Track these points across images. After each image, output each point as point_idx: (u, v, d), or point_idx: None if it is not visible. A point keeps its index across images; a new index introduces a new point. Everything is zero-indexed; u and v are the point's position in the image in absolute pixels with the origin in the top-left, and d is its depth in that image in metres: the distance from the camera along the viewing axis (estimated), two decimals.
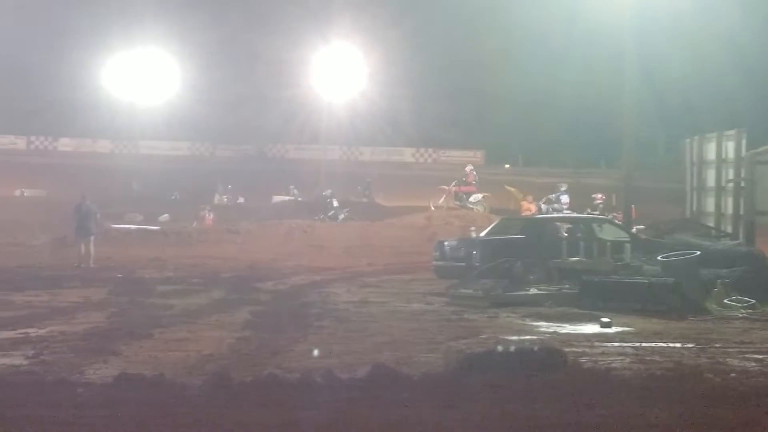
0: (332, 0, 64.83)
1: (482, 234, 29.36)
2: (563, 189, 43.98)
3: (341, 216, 46.73)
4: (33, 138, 79.28)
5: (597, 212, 39.76)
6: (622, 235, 28.34)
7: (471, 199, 46.30)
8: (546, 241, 27.15)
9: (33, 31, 74.50)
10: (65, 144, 79.38)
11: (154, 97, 68.86)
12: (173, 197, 57.78)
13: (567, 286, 24.76)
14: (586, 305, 22.62)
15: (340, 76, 62.03)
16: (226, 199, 58.64)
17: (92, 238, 33.30)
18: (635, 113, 33.92)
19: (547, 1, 55.80)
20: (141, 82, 68.02)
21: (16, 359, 15.67)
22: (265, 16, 70.54)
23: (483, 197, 46.71)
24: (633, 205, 33.63)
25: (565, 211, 42.07)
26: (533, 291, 24.52)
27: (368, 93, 64.10)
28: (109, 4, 73.94)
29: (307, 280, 29.59)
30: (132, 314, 21.17)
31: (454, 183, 47.29)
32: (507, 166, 50.42)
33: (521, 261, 25.79)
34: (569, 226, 29.12)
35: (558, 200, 43.15)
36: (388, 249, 38.38)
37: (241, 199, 58.79)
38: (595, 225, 28.89)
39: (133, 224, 48.66)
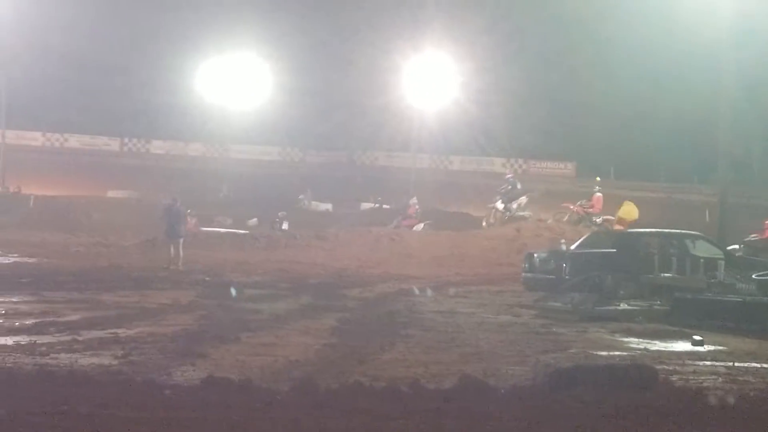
0: (425, 7, 64.72)
1: (572, 247, 29.01)
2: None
3: (421, 226, 46.57)
4: (126, 140, 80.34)
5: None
6: (716, 252, 27.80)
7: (595, 219, 45.28)
8: (638, 255, 26.71)
9: (129, 35, 75.62)
10: (158, 146, 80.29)
11: (245, 101, 69.33)
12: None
13: (658, 302, 24.36)
14: (678, 322, 22.23)
15: (432, 84, 61.87)
16: (312, 204, 58.84)
17: (182, 240, 33.55)
18: (731, 129, 33.32)
19: (645, 13, 55.20)
20: (233, 86, 68.54)
21: (105, 359, 15.79)
22: (358, 23, 70.74)
23: (603, 220, 45.50)
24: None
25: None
26: (623, 306, 24.15)
27: (460, 101, 63.86)
28: (204, 10, 74.75)
29: (393, 288, 29.48)
30: (220, 317, 21.25)
31: (579, 203, 46.36)
32: (598, 178, 50.06)
33: (612, 275, 25.42)
34: (662, 241, 28.65)
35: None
36: (477, 259, 38.14)
37: (328, 206, 58.96)
38: (688, 241, 28.39)
39: (223, 227, 49.01)
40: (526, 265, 28.44)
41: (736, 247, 32.48)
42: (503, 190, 46.46)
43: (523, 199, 46.31)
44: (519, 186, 46.95)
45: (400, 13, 66.12)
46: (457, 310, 24.27)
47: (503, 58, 67.24)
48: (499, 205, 45.79)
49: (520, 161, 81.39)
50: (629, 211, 43.07)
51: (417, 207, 48.55)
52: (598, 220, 44.83)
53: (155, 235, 37.60)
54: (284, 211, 50.46)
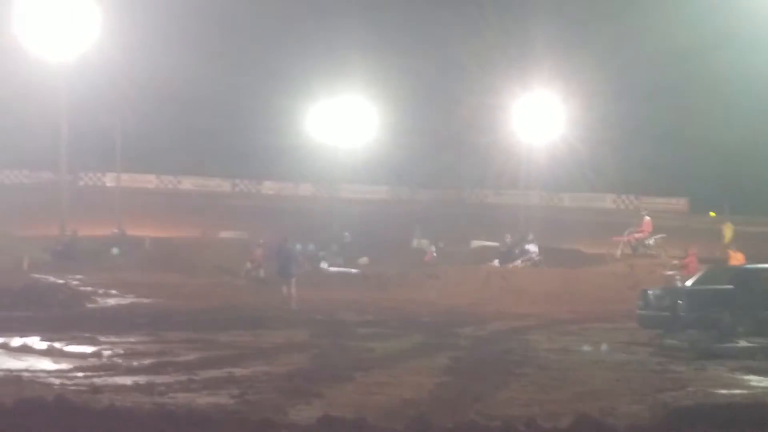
0: (532, 45, 64.54)
1: (688, 283, 28.54)
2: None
3: (520, 262, 46.36)
4: (238, 181, 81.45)
5: None
6: None
7: (647, 242, 45.23)
8: (757, 291, 26.13)
9: (239, 79, 76.77)
10: (268, 187, 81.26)
11: (354, 141, 69.84)
12: (346, 239, 57.94)
13: None
14: None
15: (539, 120, 61.63)
16: (425, 244, 58.87)
17: (293, 279, 33.79)
18: None
19: (756, 42, 54.38)
20: (342, 127, 69.11)
21: (222, 398, 15.95)
22: (464, 62, 70.84)
23: (655, 240, 45.52)
24: None
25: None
26: (743, 343, 23.67)
27: (568, 138, 63.47)
28: (313, 52, 75.61)
29: (506, 326, 29.32)
30: (333, 356, 21.33)
31: (627, 231, 46.22)
32: (712, 214, 49.11)
33: (730, 312, 24.92)
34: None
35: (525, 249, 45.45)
36: (590, 296, 37.71)
37: (440, 245, 58.91)
38: None
39: (334, 267, 49.28)
40: (641, 302, 27.98)
41: None
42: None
43: (660, 237, 45.99)
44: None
45: (508, 51, 66.08)
46: (571, 348, 24.02)
47: (612, 94, 66.71)
48: (650, 241, 45.58)
49: (631, 197, 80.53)
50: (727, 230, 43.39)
51: (651, 222, 48.33)
52: (650, 242, 44.70)
53: (267, 275, 37.94)
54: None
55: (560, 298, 37.43)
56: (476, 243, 56.50)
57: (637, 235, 45.55)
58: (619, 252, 45.46)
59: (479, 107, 65.19)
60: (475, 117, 66.30)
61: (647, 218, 46.05)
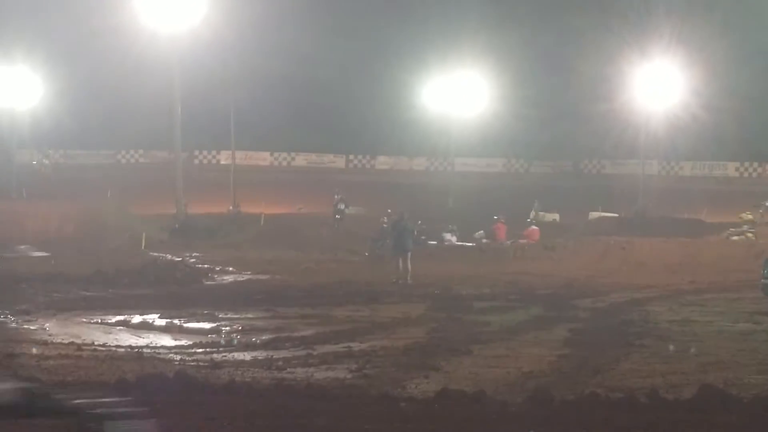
0: (650, 12, 63.37)
1: None
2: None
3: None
4: (352, 156, 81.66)
5: None
6: None
7: None
8: None
9: (351, 54, 76.82)
10: (382, 162, 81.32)
11: (468, 114, 69.42)
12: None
13: None
14: None
15: (658, 88, 60.50)
16: (539, 215, 58.35)
17: (409, 254, 33.71)
18: None
19: None
20: (456, 99, 68.70)
21: (340, 373, 15.96)
22: (579, 31, 69.88)
23: None
24: None
25: None
26: None
27: (689, 105, 62.21)
28: (427, 24, 75.33)
29: (626, 297, 28.86)
30: (451, 330, 21.22)
31: None
32: None
33: None
34: None
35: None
36: (712, 266, 36.96)
37: (556, 216, 58.37)
38: None
39: (450, 241, 49.11)
40: (766, 271, 27.32)
41: None
42: None
43: None
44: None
45: (625, 18, 64.96)
46: (693, 319, 23.55)
47: (734, 61, 65.16)
48: None
49: (755, 165, 78.71)
50: None
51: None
52: None
53: (382, 251, 37.95)
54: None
55: (681, 268, 36.76)
56: (594, 214, 55.84)
57: None
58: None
59: (596, 76, 64.26)
60: (591, 86, 65.39)
61: None
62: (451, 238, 47.74)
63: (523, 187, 64.95)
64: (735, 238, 43.34)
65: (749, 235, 44.61)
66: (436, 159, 77.76)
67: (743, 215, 47.65)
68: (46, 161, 49.58)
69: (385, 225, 43.22)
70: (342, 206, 53.42)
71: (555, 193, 61.79)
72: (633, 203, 56.62)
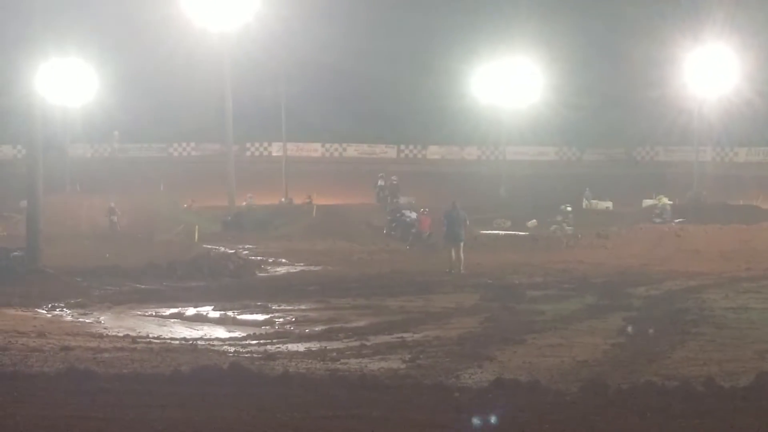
0: None
1: None
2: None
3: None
4: (403, 146, 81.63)
5: None
6: None
7: None
8: None
9: (401, 44, 76.74)
10: (434, 152, 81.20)
11: (519, 103, 69.19)
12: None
13: None
14: None
15: (711, 74, 59.93)
16: (592, 203, 58.15)
17: (462, 244, 33.65)
18: None
19: None
20: (507, 88, 68.50)
21: (394, 363, 15.94)
22: (631, 17, 69.33)
23: None
24: None
25: None
26: None
27: (743, 91, 61.57)
28: (477, 14, 75.11)
29: (680, 285, 28.63)
30: (504, 319, 21.13)
31: None
32: None
33: None
34: None
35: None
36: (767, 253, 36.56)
37: (609, 204, 58.08)
38: None
39: (502, 230, 49.01)
40: None
41: None
42: None
43: None
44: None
45: (677, 3, 64.36)
46: (750, 306, 23.28)
47: None
48: None
49: None
50: None
51: None
52: None
53: (434, 240, 37.92)
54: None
55: (737, 255, 36.39)
56: (648, 202, 55.49)
57: None
58: None
59: (648, 62, 63.76)
60: (644, 72, 64.87)
61: None
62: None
63: (576, 175, 64.66)
64: None
65: None
66: (487, 148, 77.58)
67: None
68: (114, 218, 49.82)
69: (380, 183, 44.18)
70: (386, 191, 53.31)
71: (608, 180, 61.45)
72: (687, 190, 56.19)
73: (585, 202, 58.67)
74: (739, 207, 50.78)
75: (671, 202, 51.36)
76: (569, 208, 49.29)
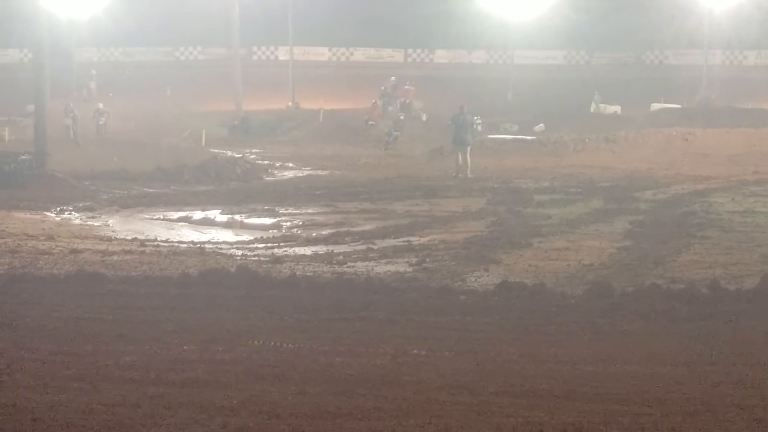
0: None
1: None
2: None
3: None
4: (410, 51, 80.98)
5: None
6: None
7: None
8: None
9: None
10: (441, 56, 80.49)
11: (527, 5, 68.46)
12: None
13: None
14: None
15: None
16: (600, 107, 57.85)
17: (469, 148, 33.56)
18: None
19: None
20: None
21: (400, 266, 16.04)
22: None
23: None
24: None
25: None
26: None
27: None
28: None
29: (687, 189, 28.59)
30: (510, 223, 21.19)
31: None
32: None
33: None
34: None
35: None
36: None
37: (617, 108, 57.78)
38: None
39: (509, 134, 48.86)
40: None
41: None
42: None
43: None
44: None
45: None
46: (757, 210, 23.28)
47: None
48: None
49: None
50: None
51: None
52: None
53: (441, 144, 37.81)
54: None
55: (744, 159, 36.23)
56: (656, 106, 55.18)
57: None
58: None
59: None
60: None
61: None
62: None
63: (584, 79, 64.21)
64: None
65: None
66: (495, 52, 76.94)
67: None
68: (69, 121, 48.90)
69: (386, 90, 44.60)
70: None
71: (616, 85, 61.06)
72: (695, 94, 55.85)
73: (593, 107, 58.38)
74: (748, 111, 50.45)
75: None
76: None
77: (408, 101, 53.94)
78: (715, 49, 65.72)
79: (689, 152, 38.06)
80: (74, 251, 17.15)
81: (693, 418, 7.81)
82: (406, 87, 57.05)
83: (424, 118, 51.85)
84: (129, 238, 19.23)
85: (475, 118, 37.01)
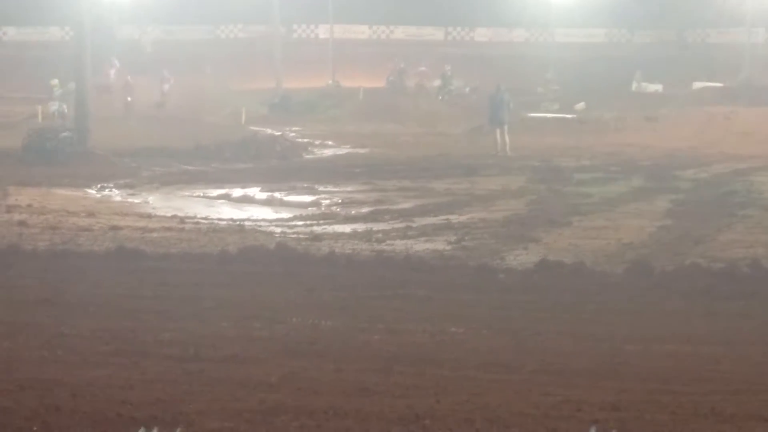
0: None
1: None
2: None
3: None
4: (450, 29, 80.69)
5: None
6: None
7: None
8: None
9: None
10: (481, 34, 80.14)
11: None
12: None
13: None
14: None
15: None
16: (641, 86, 57.46)
17: (506, 126, 33.46)
18: None
19: None
20: None
21: (439, 244, 16.02)
22: None
23: None
24: None
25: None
26: None
27: None
28: None
29: (729, 168, 28.36)
30: (550, 202, 21.13)
31: None
32: None
33: None
34: None
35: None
36: None
37: (659, 86, 57.36)
38: None
39: (549, 113, 48.64)
40: None
41: None
42: None
43: None
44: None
45: None
46: None
47: None
48: None
49: None
50: None
51: None
52: None
53: (481, 122, 37.71)
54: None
55: None
56: (698, 84, 54.74)
57: None
58: None
59: None
60: None
61: None
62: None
63: (625, 57, 63.78)
64: None
65: None
66: (535, 30, 76.56)
67: None
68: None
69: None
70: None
71: (658, 63, 60.59)
72: (738, 73, 55.32)
73: (635, 85, 57.99)
74: None
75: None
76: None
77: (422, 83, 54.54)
78: (758, 27, 65.11)
79: (731, 131, 37.77)
80: (114, 228, 17.24)
81: (733, 397, 7.75)
82: (421, 69, 56.95)
83: (467, 90, 52.39)
84: (169, 215, 19.31)
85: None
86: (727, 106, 42.57)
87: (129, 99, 46.22)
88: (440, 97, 51.73)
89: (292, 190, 23.38)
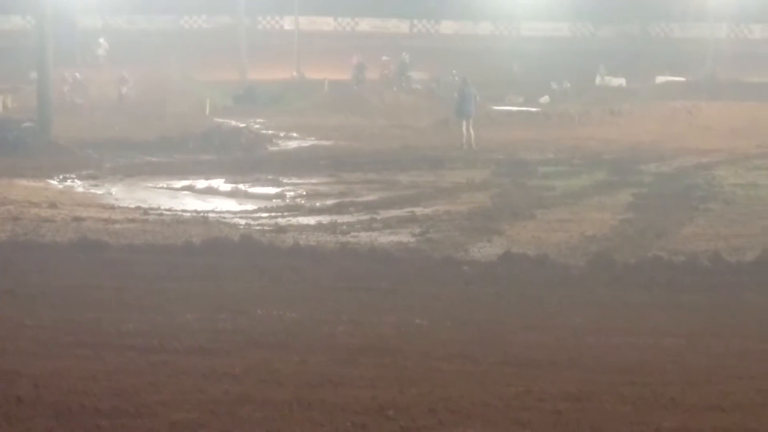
0: None
1: None
2: None
3: None
4: (416, 21, 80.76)
5: None
6: None
7: None
8: None
9: None
10: (447, 27, 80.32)
11: None
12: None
13: None
14: None
15: None
16: (605, 80, 57.74)
17: (471, 120, 33.53)
18: None
19: None
20: None
21: (404, 237, 16.06)
22: None
23: None
24: None
25: None
26: None
27: None
28: None
29: (691, 162, 28.58)
30: (514, 195, 21.22)
31: None
32: None
33: None
34: None
35: None
36: None
37: (622, 81, 57.64)
38: None
39: (514, 106, 48.79)
40: None
41: None
42: None
43: None
44: None
45: None
46: (759, 183, 23.31)
47: None
48: None
49: None
50: None
51: None
52: None
53: (446, 115, 37.77)
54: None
55: (748, 132, 36.22)
56: (661, 78, 55.10)
57: None
58: None
59: None
60: None
61: None
62: None
63: (590, 51, 64.02)
64: None
65: None
66: (501, 23, 76.74)
67: None
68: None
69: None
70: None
71: (622, 57, 60.88)
72: (701, 68, 55.71)
73: (599, 79, 58.27)
74: (753, 84, 50.36)
75: None
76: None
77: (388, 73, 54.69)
78: (722, 22, 65.56)
79: (694, 125, 38.11)
80: (77, 219, 17.15)
81: (693, 388, 7.83)
82: (384, 58, 56.92)
83: (434, 86, 52.64)
84: (132, 206, 19.24)
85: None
86: (690, 101, 42.90)
87: (124, 91, 46.22)
88: (395, 88, 51.76)
89: (257, 181, 23.34)
